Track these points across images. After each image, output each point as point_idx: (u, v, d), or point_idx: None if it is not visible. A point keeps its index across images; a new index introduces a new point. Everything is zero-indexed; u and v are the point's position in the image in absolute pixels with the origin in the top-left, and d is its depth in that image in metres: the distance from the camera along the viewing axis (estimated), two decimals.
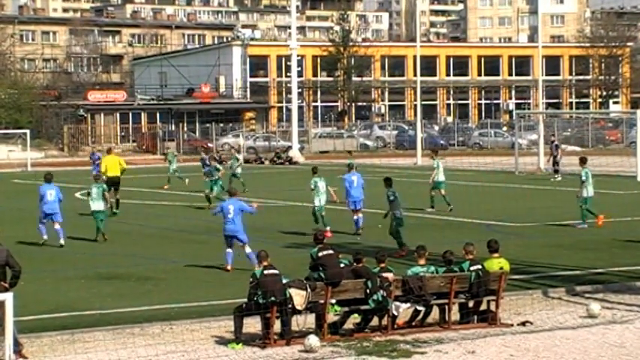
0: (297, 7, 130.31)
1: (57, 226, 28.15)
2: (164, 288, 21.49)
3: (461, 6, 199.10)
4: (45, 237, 27.97)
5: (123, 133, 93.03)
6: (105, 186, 30.98)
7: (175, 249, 27.64)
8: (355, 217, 30.39)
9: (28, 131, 71.40)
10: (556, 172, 51.97)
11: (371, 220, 33.19)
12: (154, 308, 19.07)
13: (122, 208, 38.38)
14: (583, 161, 32.76)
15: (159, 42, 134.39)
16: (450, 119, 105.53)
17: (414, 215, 34.86)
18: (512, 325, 17.63)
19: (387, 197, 26.59)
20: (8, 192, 47.35)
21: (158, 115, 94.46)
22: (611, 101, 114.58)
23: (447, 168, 62.04)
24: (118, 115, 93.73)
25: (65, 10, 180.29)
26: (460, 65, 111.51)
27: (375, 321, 17.18)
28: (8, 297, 12.58)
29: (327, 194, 30.06)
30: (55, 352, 15.99)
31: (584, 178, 31.85)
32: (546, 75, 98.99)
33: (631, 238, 28.58)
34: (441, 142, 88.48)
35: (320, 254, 17.54)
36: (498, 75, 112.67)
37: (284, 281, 16.44)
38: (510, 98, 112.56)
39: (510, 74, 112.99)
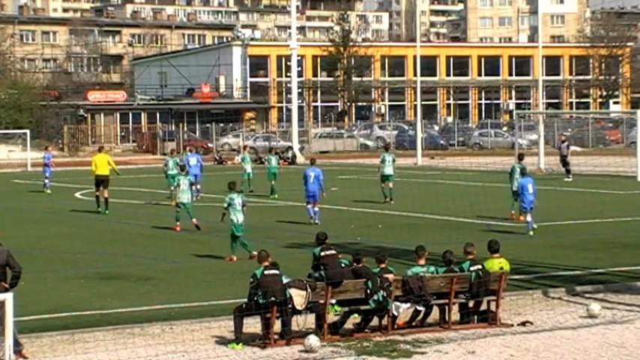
0: (297, 7, 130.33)
1: None
2: (164, 288, 21.49)
3: (461, 6, 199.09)
4: None
5: (123, 133, 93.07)
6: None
7: (176, 249, 27.62)
8: (314, 209, 32.18)
9: (28, 131, 71.42)
10: (568, 172, 51.65)
11: (372, 220, 33.25)
12: (154, 308, 19.06)
13: (123, 208, 38.44)
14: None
15: (159, 42, 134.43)
16: (450, 119, 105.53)
17: (414, 215, 34.89)
18: (512, 325, 17.63)
19: None
20: (9, 192, 47.35)
21: (158, 115, 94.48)
22: (611, 101, 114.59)
23: (446, 168, 62.32)
24: (118, 115, 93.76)
25: (65, 10, 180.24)
26: (460, 65, 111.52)
27: (375, 321, 17.17)
28: (8, 297, 12.58)
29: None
30: (55, 352, 15.99)
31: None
32: (546, 75, 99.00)
33: (630, 238, 28.58)
34: (441, 142, 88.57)
35: (322, 254, 17.55)
36: (498, 75, 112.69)
37: (284, 281, 16.43)
38: (510, 98, 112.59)
39: (510, 74, 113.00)
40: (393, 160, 39.55)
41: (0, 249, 15.84)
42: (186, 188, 31.21)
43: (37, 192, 46.68)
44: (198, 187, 40.90)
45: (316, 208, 32.32)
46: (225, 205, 25.21)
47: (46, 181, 46.87)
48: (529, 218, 29.75)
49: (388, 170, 39.06)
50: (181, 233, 30.87)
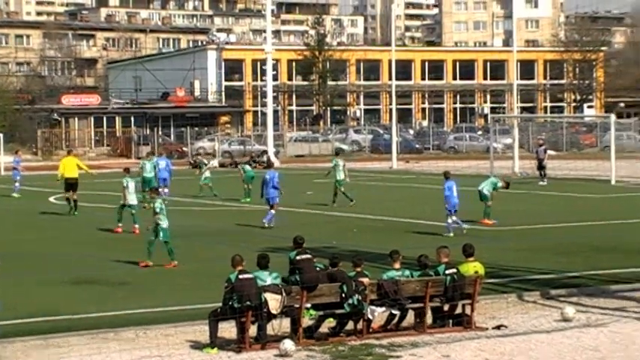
0: (273, 11, 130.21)
1: None
2: (139, 292, 21.40)
3: (436, 10, 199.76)
4: None
5: (97, 137, 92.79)
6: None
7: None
8: (271, 212, 32.28)
9: (1, 135, 70.97)
10: (543, 176, 51.79)
11: (347, 224, 33.25)
12: (129, 313, 18.97)
13: (98, 212, 38.31)
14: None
15: (133, 46, 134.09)
16: (425, 123, 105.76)
17: (389, 219, 34.91)
18: (487, 328, 17.65)
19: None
20: None
21: (133, 119, 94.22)
22: (585, 105, 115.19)
23: (421, 172, 62.40)
24: (92, 119, 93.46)
25: (39, 14, 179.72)
26: (435, 69, 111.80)
27: (350, 325, 17.15)
28: None
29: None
30: (29, 357, 15.88)
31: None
32: (521, 79, 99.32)
33: (604, 241, 28.70)
34: (416, 145, 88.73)
35: (298, 258, 17.51)
36: (473, 79, 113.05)
37: (260, 284, 16.37)
38: (485, 102, 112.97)
39: (485, 78, 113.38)
40: (344, 166, 40.16)
41: None
42: (134, 191, 31.56)
43: (8, 196, 46.42)
44: (167, 190, 40.93)
45: (273, 211, 32.38)
46: (157, 210, 24.90)
47: (16, 184, 46.72)
48: (453, 219, 30.32)
49: (340, 175, 39.68)
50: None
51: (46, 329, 17.46)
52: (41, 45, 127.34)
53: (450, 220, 30.29)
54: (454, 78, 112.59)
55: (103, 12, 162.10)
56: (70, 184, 37.27)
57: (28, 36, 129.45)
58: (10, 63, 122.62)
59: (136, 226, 31.17)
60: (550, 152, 79.55)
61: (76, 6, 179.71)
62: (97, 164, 75.76)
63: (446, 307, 17.83)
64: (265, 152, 73.35)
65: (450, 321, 17.80)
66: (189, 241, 29.66)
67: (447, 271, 17.64)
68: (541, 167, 52.34)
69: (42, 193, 46.90)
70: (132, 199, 31.73)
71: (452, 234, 29.85)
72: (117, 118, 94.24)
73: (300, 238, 18.19)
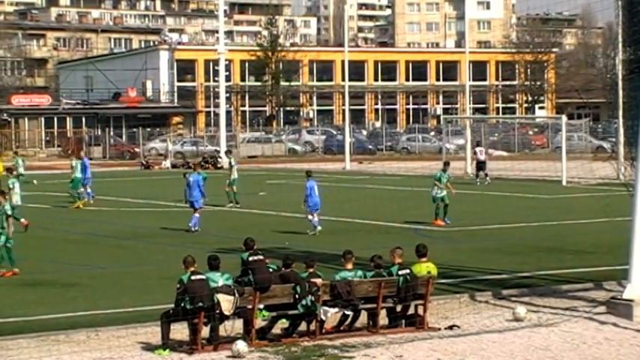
0: (225, 11, 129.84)
1: None
2: (90, 294, 21.24)
3: (389, 11, 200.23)
4: None
5: (48, 138, 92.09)
6: None
7: (101, 255, 27.35)
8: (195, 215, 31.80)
9: None
10: (485, 175, 52.41)
11: (301, 226, 33.18)
12: (80, 315, 18.82)
13: (47, 213, 38.00)
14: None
15: (84, 46, 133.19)
16: (378, 124, 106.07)
17: (342, 220, 34.91)
18: (439, 329, 17.69)
19: None
20: None
21: (84, 119, 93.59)
22: (536, 106, 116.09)
23: (374, 173, 62.53)
24: (42, 119, 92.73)
25: None
26: (388, 70, 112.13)
27: (303, 326, 17.12)
28: None
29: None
30: None
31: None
32: (473, 80, 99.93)
33: (555, 242, 28.91)
34: (370, 146, 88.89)
35: (250, 259, 17.45)
36: (426, 80, 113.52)
37: (212, 285, 16.30)
38: (438, 103, 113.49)
39: (438, 79, 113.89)
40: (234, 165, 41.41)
41: None
42: (19, 191, 31.97)
43: None
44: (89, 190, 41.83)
45: (197, 215, 31.85)
46: (9, 212, 24.16)
47: None
48: (316, 219, 30.96)
49: (234, 175, 40.48)
50: (107, 239, 30.54)
51: None
52: None
53: (316, 219, 30.95)
54: (407, 79, 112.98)
55: (54, 11, 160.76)
56: None
57: None
58: None
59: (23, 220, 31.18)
60: (502, 153, 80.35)
61: (25, 5, 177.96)
62: (47, 165, 75.24)
63: (399, 308, 17.85)
64: (217, 152, 73.22)
65: (403, 321, 17.83)
66: (139, 242, 29.53)
67: (399, 272, 17.66)
68: (481, 168, 52.90)
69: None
70: (17, 199, 31.69)
71: (317, 232, 30.56)
72: (68, 119, 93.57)
73: (250, 240, 18.11)
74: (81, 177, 41.05)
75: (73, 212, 39.08)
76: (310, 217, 30.94)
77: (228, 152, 45.27)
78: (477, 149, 54.54)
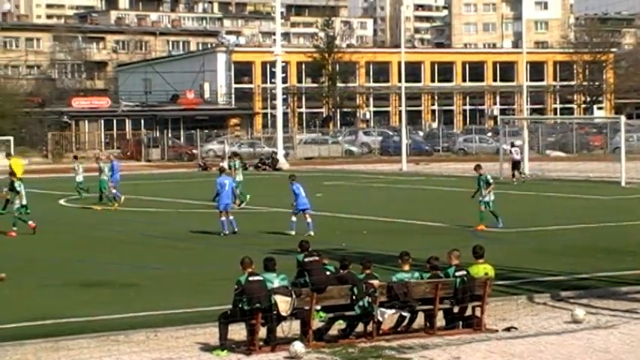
0: (282, 13, 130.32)
1: None
2: (147, 295, 21.41)
3: (445, 12, 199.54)
4: None
5: (107, 140, 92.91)
6: None
7: (157, 256, 27.57)
8: (223, 219, 31.41)
9: (11, 138, 71.33)
10: (520, 174, 52.67)
11: (357, 226, 33.24)
12: (138, 315, 18.99)
13: (104, 215, 38.40)
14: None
15: (143, 48, 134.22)
16: (434, 125, 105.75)
17: (398, 221, 34.89)
18: (497, 330, 17.62)
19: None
20: None
21: (142, 121, 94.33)
22: (595, 107, 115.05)
23: (431, 174, 62.36)
24: (102, 121, 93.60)
25: (49, 17, 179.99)
26: (445, 71, 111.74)
27: (360, 327, 17.14)
28: None
29: None
30: (39, 359, 15.89)
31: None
32: (530, 81, 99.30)
33: (614, 243, 28.64)
34: (426, 147, 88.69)
35: (306, 260, 17.52)
36: (483, 81, 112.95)
37: (268, 287, 16.37)
38: (495, 104, 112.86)
39: (495, 80, 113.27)
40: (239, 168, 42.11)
41: None
42: (24, 193, 32.51)
43: None
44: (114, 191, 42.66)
45: (231, 217, 31.62)
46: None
47: None
48: (309, 219, 30.97)
49: (239, 177, 41.20)
50: (164, 240, 30.75)
51: (56, 332, 17.46)
52: (51, 48, 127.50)
53: (309, 219, 31.00)
54: (464, 80, 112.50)
55: (113, 15, 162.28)
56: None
57: (38, 39, 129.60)
58: (20, 66, 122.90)
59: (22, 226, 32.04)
60: (559, 154, 79.76)
61: (85, 9, 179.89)
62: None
63: (456, 309, 17.81)
64: (275, 153, 73.45)
65: (460, 323, 17.78)
66: (195, 243, 29.72)
67: (456, 273, 17.62)
68: (516, 167, 52.94)
69: (52, 196, 46.90)
70: (19, 202, 32.42)
71: (312, 233, 30.19)
72: (127, 121, 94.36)
73: (305, 241, 18.18)
74: (107, 179, 41.82)
75: (131, 214, 39.39)
76: (295, 218, 30.99)
77: (234, 155, 45.75)
78: (513, 149, 54.47)
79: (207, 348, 16.41)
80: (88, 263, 26.26)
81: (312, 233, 30.01)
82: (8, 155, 46.25)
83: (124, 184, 46.70)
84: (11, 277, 23.53)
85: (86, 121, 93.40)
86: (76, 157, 51.05)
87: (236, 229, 31.14)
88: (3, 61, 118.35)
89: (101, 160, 44.79)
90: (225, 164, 42.17)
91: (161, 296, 21.11)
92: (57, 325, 18.21)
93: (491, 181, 33.12)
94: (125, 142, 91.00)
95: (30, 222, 32.01)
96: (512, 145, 55.29)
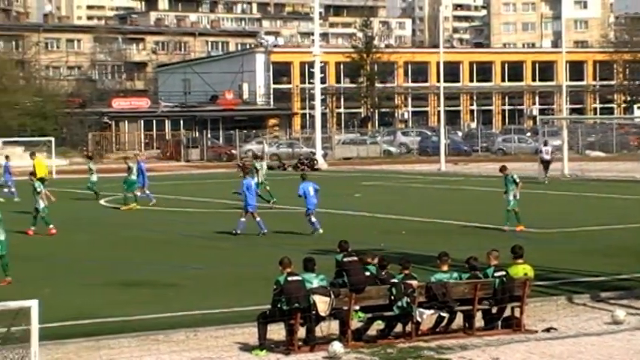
0: (320, 13, 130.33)
1: None
2: (187, 294, 21.52)
3: (484, 12, 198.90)
4: None
5: (147, 140, 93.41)
6: None
7: (196, 255, 27.69)
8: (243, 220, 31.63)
9: (53, 139, 71.80)
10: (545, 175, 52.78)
11: (395, 227, 33.22)
12: (178, 315, 19.08)
13: (143, 214, 38.61)
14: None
15: (182, 49, 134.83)
16: (473, 125, 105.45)
17: (437, 221, 34.85)
18: (536, 331, 17.57)
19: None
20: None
21: (182, 122, 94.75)
22: (635, 106, 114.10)
23: (470, 174, 62.19)
24: (142, 122, 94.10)
25: (90, 18, 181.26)
26: (483, 71, 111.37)
27: (399, 327, 17.15)
28: (34, 304, 12.66)
29: None
30: (81, 358, 16.03)
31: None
32: (570, 80, 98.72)
33: None
34: (465, 148, 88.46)
35: (344, 260, 17.55)
36: (522, 81, 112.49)
37: (307, 287, 16.40)
38: (534, 104, 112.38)
39: (534, 80, 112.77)
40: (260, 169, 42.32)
41: None
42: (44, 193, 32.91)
43: (57, 199, 46.76)
44: (147, 191, 42.82)
45: (258, 219, 31.79)
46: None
47: (5, 190, 46.56)
48: (313, 219, 31.23)
49: (260, 179, 41.57)
50: (203, 240, 30.88)
51: (96, 331, 17.60)
52: (92, 49, 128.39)
53: (313, 219, 31.28)
54: (502, 80, 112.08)
55: (153, 16, 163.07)
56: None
57: (79, 40, 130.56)
58: (61, 67, 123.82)
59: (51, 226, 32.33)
60: (599, 154, 79.24)
61: (125, 10, 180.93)
62: (146, 167, 76.26)
63: (494, 310, 17.77)
64: (313, 154, 73.53)
65: (499, 323, 17.75)
66: (234, 243, 29.82)
67: (496, 274, 17.59)
68: (546, 167, 52.77)
69: (92, 196, 47.18)
70: (41, 203, 32.61)
71: (321, 230, 30.79)
72: (166, 121, 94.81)
73: (344, 242, 18.21)
74: (136, 179, 41.92)
75: (171, 214, 39.59)
76: (314, 219, 31.31)
77: (255, 157, 46.43)
78: (544, 148, 54.19)
79: (246, 348, 16.48)
80: (128, 263, 26.44)
81: (321, 231, 30.76)
82: (32, 155, 46.43)
83: (163, 185, 46.97)
84: (52, 277, 23.75)
85: (126, 122, 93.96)
86: (90, 157, 51.18)
87: (264, 231, 31.30)
88: (45, 62, 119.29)
89: (130, 159, 44.99)
90: (259, 164, 42.80)
91: (200, 296, 21.20)
92: (97, 324, 18.35)
93: (518, 180, 32.90)
94: (164, 143, 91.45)
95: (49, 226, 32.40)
96: (545, 144, 55.00)
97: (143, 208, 40.72)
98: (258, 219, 31.42)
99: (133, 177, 41.91)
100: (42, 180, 38.07)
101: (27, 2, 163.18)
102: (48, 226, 32.16)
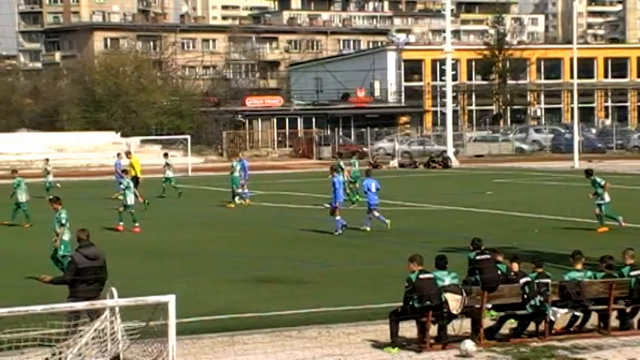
0: (452, 10, 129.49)
1: None
2: (320, 291, 21.73)
3: (619, 7, 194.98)
4: None
5: (280, 138, 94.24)
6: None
7: (330, 252, 27.89)
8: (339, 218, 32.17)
9: (189, 137, 73.06)
10: None
11: (528, 225, 32.90)
12: (311, 311, 19.29)
13: (277, 211, 39.00)
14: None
15: (314, 48, 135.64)
16: (608, 122, 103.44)
17: (570, 220, 34.39)
18: None
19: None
20: (169, 196, 48.27)
21: (314, 120, 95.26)
22: None
23: (604, 172, 61.04)
24: (275, 120, 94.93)
25: (224, 18, 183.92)
26: (618, 67, 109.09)
27: (532, 326, 17.03)
28: (171, 299, 12.98)
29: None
30: (216, 353, 16.32)
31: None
32: None
33: None
34: (599, 145, 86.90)
35: (477, 258, 17.51)
36: None
37: (439, 284, 16.41)
38: None
39: None
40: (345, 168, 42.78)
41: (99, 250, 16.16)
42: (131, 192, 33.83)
43: (193, 196, 47.65)
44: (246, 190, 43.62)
45: (377, 214, 32.32)
46: (63, 221, 23.32)
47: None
48: (376, 214, 31.84)
49: (357, 173, 43.95)
50: (338, 237, 31.07)
51: (232, 326, 17.94)
52: (226, 49, 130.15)
53: (376, 214, 31.80)
54: (639, 75, 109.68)
55: (286, 15, 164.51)
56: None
57: (214, 40, 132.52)
58: (197, 67, 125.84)
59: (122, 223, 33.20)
60: None
61: (259, 10, 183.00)
62: (279, 165, 77.19)
63: (628, 310, 17.49)
64: (445, 152, 73.23)
65: (635, 323, 17.46)
66: (367, 240, 29.93)
67: (631, 273, 17.32)
68: None
69: (228, 194, 47.89)
70: (130, 199, 33.52)
71: (368, 228, 31.42)
72: (299, 119, 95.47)
73: (478, 239, 18.15)
74: (239, 176, 42.83)
75: (306, 211, 39.92)
76: (376, 214, 31.83)
77: (352, 153, 47.39)
78: None
79: (377, 345, 16.57)
80: (265, 260, 26.78)
81: (367, 229, 31.47)
82: (128, 154, 47.57)
83: (298, 183, 47.27)
84: (188, 274, 24.25)
85: (259, 120, 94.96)
86: (165, 155, 51.71)
87: (374, 226, 31.96)
88: (181, 61, 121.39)
89: (234, 158, 45.98)
90: (353, 160, 44.75)
91: (333, 293, 21.38)
92: (232, 320, 18.69)
93: (602, 183, 32.43)
94: (297, 141, 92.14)
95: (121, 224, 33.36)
96: None
97: (273, 205, 41.15)
98: (339, 217, 31.83)
99: (236, 174, 42.90)
100: (136, 179, 39.21)
101: (164, 3, 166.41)
102: (134, 223, 32.99)
